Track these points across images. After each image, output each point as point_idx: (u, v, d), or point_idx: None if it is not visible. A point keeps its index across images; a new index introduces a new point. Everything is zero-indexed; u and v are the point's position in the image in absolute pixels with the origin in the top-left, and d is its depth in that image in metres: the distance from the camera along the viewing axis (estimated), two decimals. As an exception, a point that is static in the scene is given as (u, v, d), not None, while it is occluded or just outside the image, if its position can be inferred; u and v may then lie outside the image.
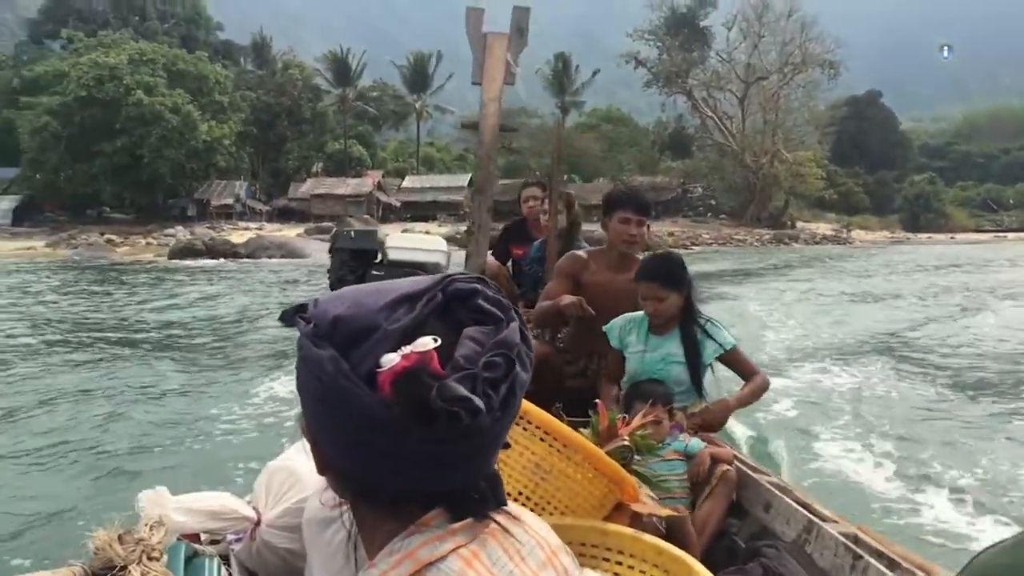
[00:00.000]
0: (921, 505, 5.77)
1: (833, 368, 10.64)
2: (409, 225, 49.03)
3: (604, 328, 3.63)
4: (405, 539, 0.83)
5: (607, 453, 2.33)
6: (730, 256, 42.31)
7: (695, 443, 3.22)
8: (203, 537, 2.36)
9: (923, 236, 68.08)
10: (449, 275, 0.87)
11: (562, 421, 2.24)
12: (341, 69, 71.29)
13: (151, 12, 71.16)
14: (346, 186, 61.06)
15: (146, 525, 2.08)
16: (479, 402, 0.77)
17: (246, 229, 51.29)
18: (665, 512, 2.49)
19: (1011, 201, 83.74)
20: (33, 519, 5.48)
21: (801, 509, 3.05)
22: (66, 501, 5.81)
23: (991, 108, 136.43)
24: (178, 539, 2.13)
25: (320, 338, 0.81)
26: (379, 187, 62.25)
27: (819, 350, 12.20)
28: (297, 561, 2.23)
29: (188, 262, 34.90)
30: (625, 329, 3.60)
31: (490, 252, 5.58)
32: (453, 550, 0.82)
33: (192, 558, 2.08)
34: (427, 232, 35.83)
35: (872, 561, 2.57)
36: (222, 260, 35.38)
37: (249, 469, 5.99)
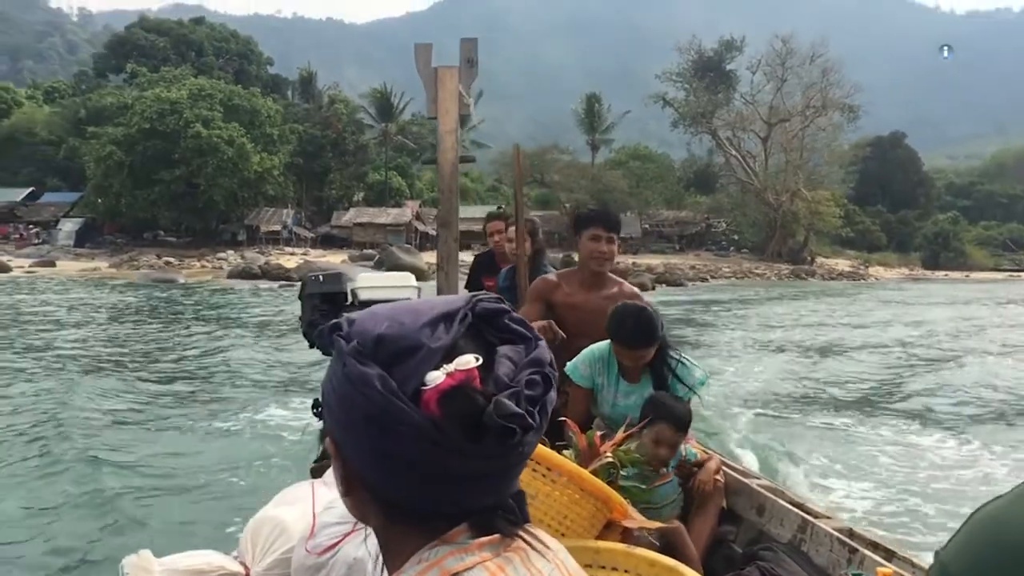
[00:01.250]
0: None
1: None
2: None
3: (566, 369, 3.58)
4: (432, 550, 0.84)
5: (592, 472, 2.35)
6: (740, 288, 44.94)
7: (691, 451, 3.32)
8: None
9: (940, 274, 69.67)
10: (475, 295, 0.90)
11: (544, 444, 2.24)
12: (384, 106, 74.80)
13: (208, 49, 74.76)
14: (387, 215, 64.13)
15: None
16: (530, 419, 0.80)
17: (292, 254, 54.51)
18: (655, 525, 2.52)
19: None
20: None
21: (794, 509, 3.09)
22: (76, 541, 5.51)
23: (1019, 147, 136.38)
24: None
25: (365, 356, 0.81)
26: (417, 217, 65.17)
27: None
28: None
29: (246, 283, 38.27)
30: (594, 369, 3.56)
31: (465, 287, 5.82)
32: (479, 563, 0.83)
33: None
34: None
35: (868, 553, 2.62)
36: (278, 283, 38.47)
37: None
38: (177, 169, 56.29)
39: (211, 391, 11.32)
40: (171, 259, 52.55)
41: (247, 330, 19.19)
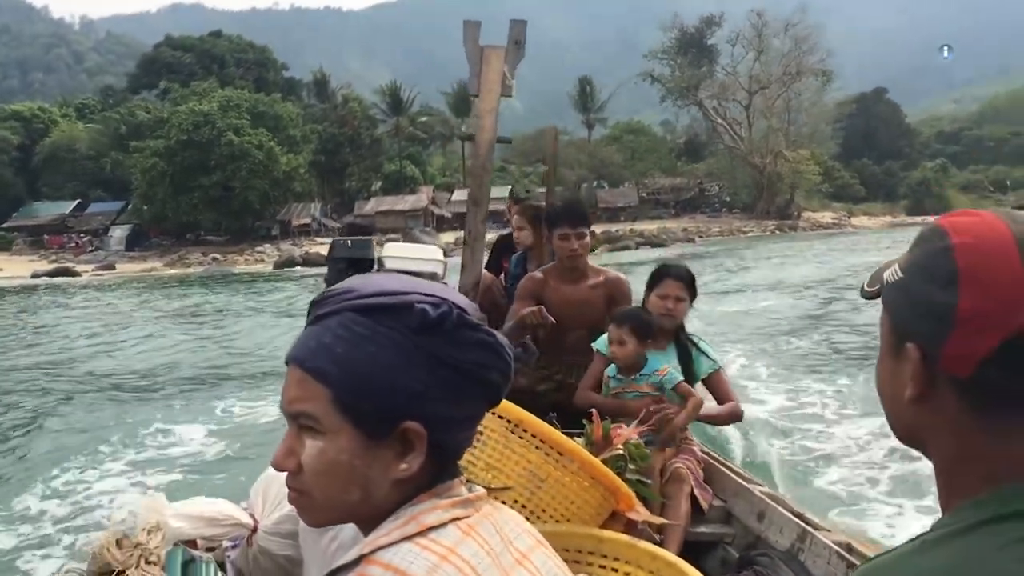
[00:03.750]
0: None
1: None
2: (462, 233, 57.36)
3: (594, 344, 3.71)
4: (412, 506, 0.91)
5: (602, 462, 2.38)
6: (719, 244, 49.86)
7: (670, 377, 3.37)
8: (200, 543, 2.40)
9: (919, 219, 74.29)
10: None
11: (555, 430, 2.29)
12: (395, 101, 79.67)
13: (229, 60, 79.49)
14: (404, 202, 68.70)
15: (144, 530, 2.19)
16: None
17: (323, 244, 59.89)
18: (660, 520, 2.65)
19: (1008, 183, 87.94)
20: (34, 519, 5.60)
21: (794, 518, 3.10)
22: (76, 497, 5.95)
23: (1012, 91, 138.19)
24: (175, 545, 2.25)
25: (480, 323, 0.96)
26: (433, 201, 69.70)
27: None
28: (295, 568, 2.24)
29: (303, 270, 43.56)
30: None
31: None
32: (452, 519, 0.90)
33: (189, 563, 2.18)
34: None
35: None
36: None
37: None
38: (214, 175, 60.80)
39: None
40: (216, 255, 57.52)
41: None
